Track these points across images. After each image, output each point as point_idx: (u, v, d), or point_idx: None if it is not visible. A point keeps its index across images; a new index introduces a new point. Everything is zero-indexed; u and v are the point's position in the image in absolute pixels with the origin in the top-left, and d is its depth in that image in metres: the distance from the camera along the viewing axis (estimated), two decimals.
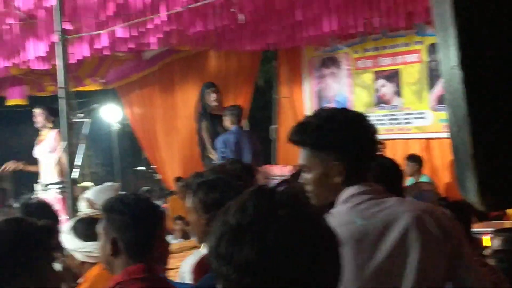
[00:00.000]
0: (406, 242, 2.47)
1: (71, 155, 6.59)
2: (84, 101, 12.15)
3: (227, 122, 9.30)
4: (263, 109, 13.80)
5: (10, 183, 20.39)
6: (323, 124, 2.51)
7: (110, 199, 3.09)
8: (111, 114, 14.52)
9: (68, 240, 4.10)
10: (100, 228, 3.05)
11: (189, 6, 6.81)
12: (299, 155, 2.54)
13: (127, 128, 14.09)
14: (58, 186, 8.71)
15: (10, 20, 7.61)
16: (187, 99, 12.25)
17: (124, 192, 3.25)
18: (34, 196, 8.78)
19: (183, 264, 4.22)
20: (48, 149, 8.82)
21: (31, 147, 9.68)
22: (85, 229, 3.93)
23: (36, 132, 9.35)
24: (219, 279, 1.53)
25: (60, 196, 8.67)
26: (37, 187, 8.88)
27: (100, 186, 6.06)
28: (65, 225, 4.29)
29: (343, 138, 2.50)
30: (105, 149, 15.66)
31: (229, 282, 1.50)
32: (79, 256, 4.00)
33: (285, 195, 1.54)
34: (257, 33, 9.33)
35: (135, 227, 2.96)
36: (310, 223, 1.53)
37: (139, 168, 13.33)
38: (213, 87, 9.97)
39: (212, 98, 9.82)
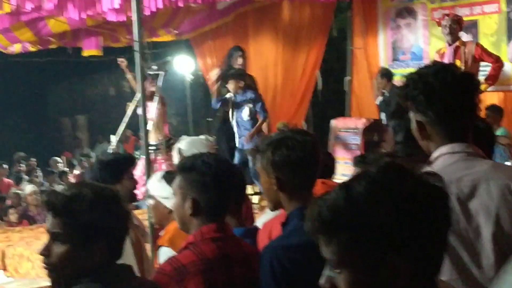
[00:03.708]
0: (488, 212, 2.44)
1: (145, 108, 6.61)
2: (158, 52, 12.19)
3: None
4: (337, 61, 13.61)
5: (85, 132, 20.83)
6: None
7: (189, 158, 3.08)
8: (184, 65, 14.54)
9: (159, 188, 4.22)
10: (175, 186, 3.04)
11: None
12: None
13: (200, 79, 14.12)
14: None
15: None
16: (260, 50, 12.21)
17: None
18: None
19: (257, 222, 4.21)
20: None
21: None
22: None
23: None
24: None
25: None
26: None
27: (193, 138, 6.05)
28: (157, 174, 4.36)
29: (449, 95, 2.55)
30: (178, 100, 15.73)
31: None
32: (169, 204, 4.02)
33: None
34: None
35: (216, 188, 2.94)
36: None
37: (210, 119, 13.35)
38: (241, 52, 10.14)
39: (238, 63, 9.97)
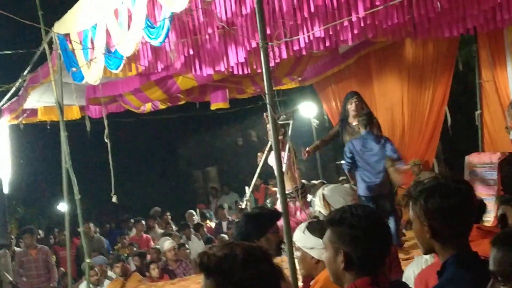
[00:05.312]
0: None
1: (279, 157, 6.61)
2: (283, 100, 12.32)
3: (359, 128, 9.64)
4: (464, 94, 13.33)
5: (215, 183, 21.13)
6: None
7: (337, 210, 3.05)
8: (309, 111, 14.65)
9: (304, 238, 4.22)
10: (326, 240, 3.03)
11: (390, 3, 6.70)
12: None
13: (326, 123, 14.14)
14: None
15: (210, 30, 7.80)
16: (385, 90, 12.15)
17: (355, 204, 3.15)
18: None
19: (406, 270, 4.15)
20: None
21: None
22: (322, 227, 3.89)
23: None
24: None
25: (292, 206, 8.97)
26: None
27: (337, 185, 6.08)
28: (301, 225, 4.39)
29: None
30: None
31: None
32: (316, 254, 4.04)
33: None
34: (455, 19, 9.02)
35: (367, 241, 2.89)
36: None
37: (340, 162, 13.33)
38: (354, 97, 10.26)
39: (351, 108, 10.13)
